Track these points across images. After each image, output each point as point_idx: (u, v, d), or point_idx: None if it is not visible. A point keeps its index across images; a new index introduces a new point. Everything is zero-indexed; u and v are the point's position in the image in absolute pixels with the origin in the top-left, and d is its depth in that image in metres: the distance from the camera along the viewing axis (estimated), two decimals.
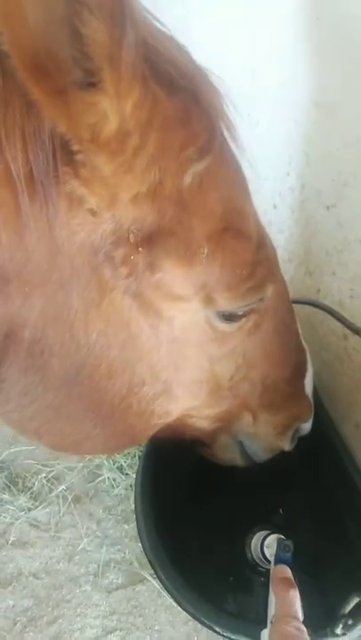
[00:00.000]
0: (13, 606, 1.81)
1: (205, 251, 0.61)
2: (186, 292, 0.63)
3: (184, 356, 0.71)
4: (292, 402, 0.97)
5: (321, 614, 0.87)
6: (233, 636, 0.86)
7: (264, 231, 0.72)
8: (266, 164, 1.13)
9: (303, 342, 0.95)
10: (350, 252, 0.89)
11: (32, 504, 2.06)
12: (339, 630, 0.82)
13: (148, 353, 0.67)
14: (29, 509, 2.04)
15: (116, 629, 1.76)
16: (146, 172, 0.52)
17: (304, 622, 0.81)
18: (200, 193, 0.57)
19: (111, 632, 1.76)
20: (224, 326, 0.71)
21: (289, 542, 0.96)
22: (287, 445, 1.03)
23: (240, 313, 0.71)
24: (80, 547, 1.94)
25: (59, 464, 2.17)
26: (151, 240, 0.57)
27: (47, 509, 2.05)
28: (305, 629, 0.77)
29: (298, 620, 0.78)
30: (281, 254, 1.20)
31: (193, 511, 1.11)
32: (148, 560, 0.94)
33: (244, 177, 0.66)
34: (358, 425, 1.02)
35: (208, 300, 0.66)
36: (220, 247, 0.61)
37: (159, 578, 0.92)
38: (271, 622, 0.79)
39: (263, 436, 0.99)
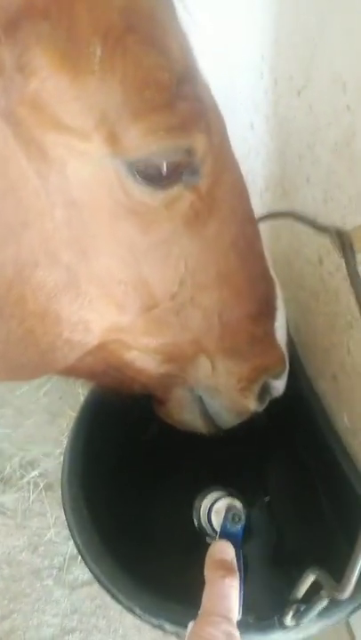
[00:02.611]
0: None
1: (98, 52, 0.44)
2: (79, 120, 0.46)
3: (91, 233, 0.53)
4: (258, 348, 0.78)
5: (268, 598, 0.67)
6: (155, 621, 0.67)
7: (197, 69, 0.54)
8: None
9: (272, 272, 0.78)
10: (322, 141, 0.72)
11: (0, 489, 1.92)
12: (288, 620, 0.62)
13: (38, 217, 0.50)
14: None
15: (75, 630, 1.57)
16: None
17: (246, 619, 0.60)
18: None
19: (70, 632, 1.57)
20: (143, 191, 0.52)
21: (240, 511, 0.76)
22: (253, 404, 0.84)
23: (159, 165, 0.51)
24: (46, 537, 1.78)
25: (35, 448, 2.04)
26: (17, 24, 0.42)
27: (16, 495, 1.90)
28: (237, 634, 0.56)
29: (228, 620, 0.57)
30: (259, 185, 1.04)
31: (134, 474, 0.92)
32: (66, 519, 0.76)
33: None
34: (335, 376, 0.83)
35: (113, 140, 0.48)
36: (119, 52, 0.45)
37: (77, 547, 0.74)
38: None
39: (225, 391, 0.81)
